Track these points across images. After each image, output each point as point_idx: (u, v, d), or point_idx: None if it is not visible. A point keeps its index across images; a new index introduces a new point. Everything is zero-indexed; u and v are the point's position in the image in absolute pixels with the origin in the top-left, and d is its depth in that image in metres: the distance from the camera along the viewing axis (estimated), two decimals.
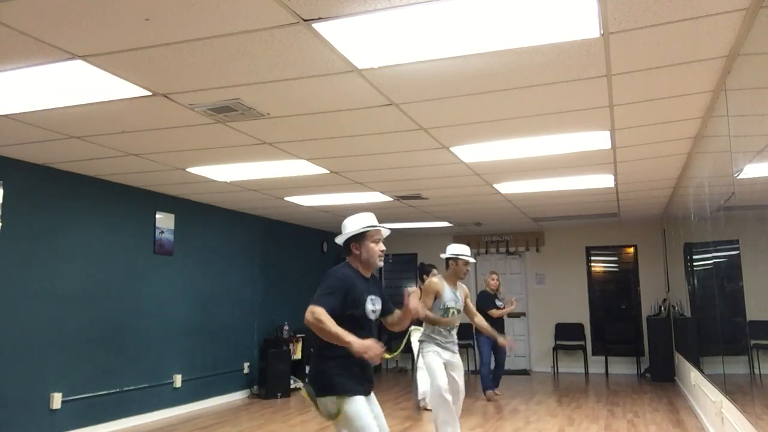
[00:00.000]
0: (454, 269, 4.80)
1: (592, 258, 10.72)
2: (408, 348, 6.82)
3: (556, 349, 10.41)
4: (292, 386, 8.27)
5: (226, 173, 5.94)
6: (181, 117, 4.12)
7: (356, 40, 2.90)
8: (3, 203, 5.24)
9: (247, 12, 2.63)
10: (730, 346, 4.13)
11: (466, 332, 10.03)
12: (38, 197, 5.59)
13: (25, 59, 3.13)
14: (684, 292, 6.94)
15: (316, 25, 2.75)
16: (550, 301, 10.73)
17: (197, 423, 6.56)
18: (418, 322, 6.61)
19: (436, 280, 4.80)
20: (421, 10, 2.60)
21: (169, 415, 6.93)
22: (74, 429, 5.77)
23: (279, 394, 8.08)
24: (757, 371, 3.39)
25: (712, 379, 5.06)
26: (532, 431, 5.90)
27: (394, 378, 9.62)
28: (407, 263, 11.53)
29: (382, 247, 2.95)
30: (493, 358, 7.88)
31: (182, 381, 7.17)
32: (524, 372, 10.39)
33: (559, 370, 10.41)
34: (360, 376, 2.89)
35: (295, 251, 9.95)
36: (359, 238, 2.92)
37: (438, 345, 4.66)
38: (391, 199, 7.51)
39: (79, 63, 3.16)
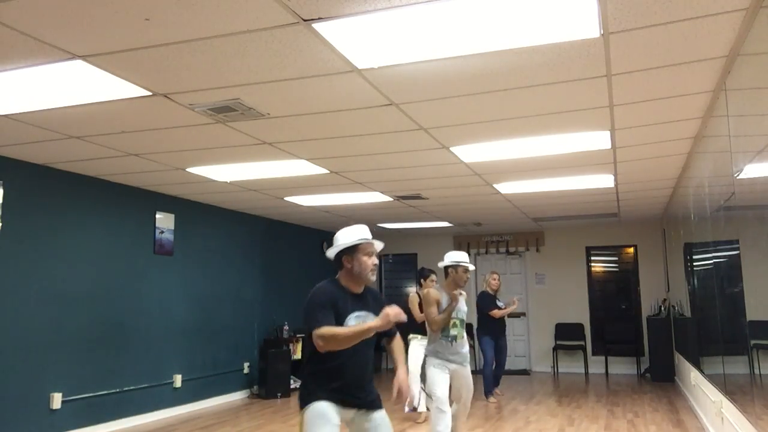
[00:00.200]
0: (453, 277, 4.63)
1: (592, 258, 10.72)
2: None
3: (556, 349, 10.41)
4: (292, 386, 8.27)
5: (226, 173, 5.94)
6: (181, 117, 4.12)
7: (356, 40, 2.90)
8: (3, 203, 5.24)
9: (247, 12, 2.63)
10: (730, 346, 4.13)
11: (467, 332, 10.04)
12: (38, 197, 5.59)
13: (25, 59, 3.13)
14: (684, 292, 6.94)
15: (316, 25, 2.75)
16: (550, 301, 10.73)
17: (197, 423, 6.56)
18: (417, 330, 6.59)
19: (433, 291, 4.63)
20: (421, 10, 2.60)
21: (169, 415, 6.93)
22: (74, 429, 5.77)
23: (279, 394, 8.08)
24: (757, 371, 3.39)
25: (712, 379, 5.06)
26: (532, 431, 5.90)
27: (392, 379, 9.62)
28: (407, 263, 11.53)
29: (374, 260, 2.82)
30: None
31: (182, 381, 7.17)
32: (524, 372, 10.40)
33: (559, 370, 10.41)
34: (340, 390, 2.70)
35: (295, 251, 9.95)
36: (351, 251, 2.80)
37: (443, 359, 4.51)
38: (391, 199, 7.51)
39: (79, 63, 3.16)
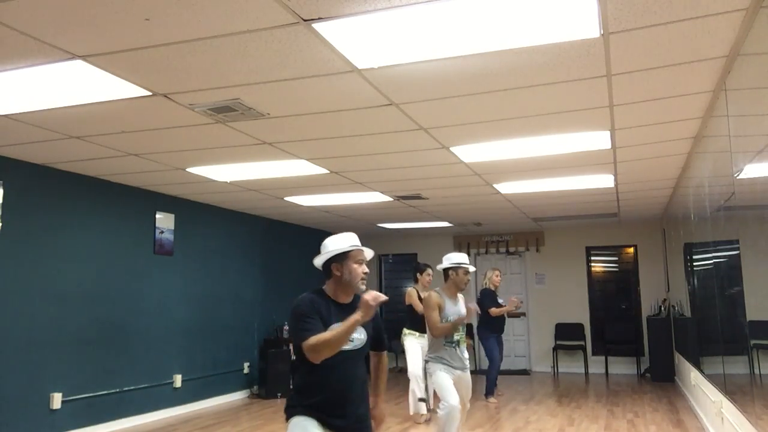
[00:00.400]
0: (454, 280, 4.50)
1: (592, 258, 10.72)
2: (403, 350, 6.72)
3: (556, 349, 10.41)
4: (292, 386, 8.26)
5: (226, 173, 5.94)
6: (181, 117, 4.12)
7: (356, 40, 2.90)
8: (3, 203, 5.24)
9: (247, 12, 2.63)
10: (730, 346, 4.13)
11: (467, 332, 10.03)
12: (38, 197, 5.59)
13: (25, 59, 3.13)
14: (684, 292, 6.94)
15: (316, 25, 2.75)
16: (550, 301, 10.73)
17: (197, 423, 6.56)
18: (411, 326, 6.56)
19: (434, 294, 4.47)
20: (421, 10, 2.60)
21: (169, 415, 6.93)
22: (74, 429, 5.77)
23: (279, 394, 8.08)
24: (757, 371, 3.39)
25: (712, 379, 5.06)
26: (532, 431, 5.90)
27: (393, 378, 9.61)
28: (407, 263, 11.52)
29: (365, 269, 2.69)
30: None
31: (182, 381, 7.17)
32: (524, 372, 10.39)
33: (559, 370, 10.41)
34: (318, 406, 2.56)
35: (295, 251, 9.95)
36: (341, 258, 2.65)
37: (446, 364, 4.40)
38: (391, 199, 7.51)
39: (79, 63, 3.16)
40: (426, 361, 4.60)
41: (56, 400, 5.59)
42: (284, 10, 2.60)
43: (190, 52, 3.05)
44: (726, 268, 4.19)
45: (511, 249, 11.11)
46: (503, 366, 8.54)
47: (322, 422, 2.56)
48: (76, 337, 5.87)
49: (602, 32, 2.85)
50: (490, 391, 7.64)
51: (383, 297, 2.47)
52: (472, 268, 4.60)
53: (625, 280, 10.56)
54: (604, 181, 6.39)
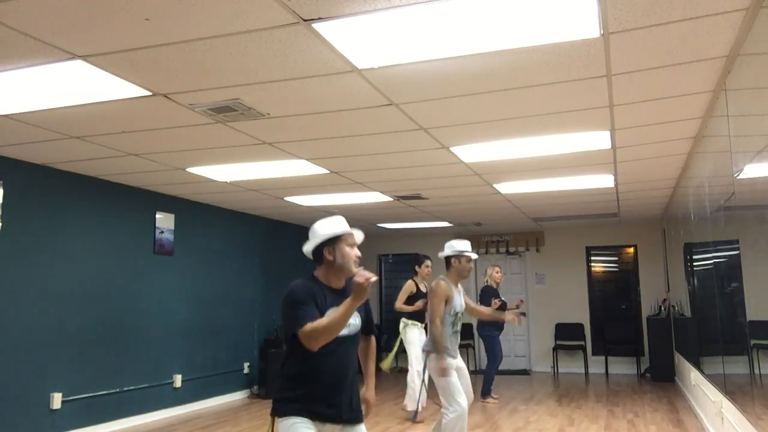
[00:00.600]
0: (457, 268, 4.37)
1: (592, 258, 10.72)
2: (402, 347, 6.69)
3: (556, 349, 10.41)
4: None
5: (226, 173, 5.94)
6: (181, 117, 4.12)
7: (356, 40, 2.90)
8: (3, 203, 5.24)
9: (247, 12, 2.63)
10: (730, 346, 4.13)
11: (467, 332, 10.04)
12: (38, 197, 5.59)
13: (25, 59, 3.13)
14: (684, 292, 6.94)
15: (316, 25, 2.75)
16: (550, 301, 10.73)
17: (197, 423, 6.56)
18: (410, 316, 6.55)
19: (444, 284, 4.32)
20: (421, 10, 2.60)
21: (169, 415, 6.93)
22: (74, 429, 5.77)
23: None
24: (757, 371, 3.39)
25: (712, 379, 5.06)
26: (532, 431, 5.90)
27: (393, 378, 9.61)
28: (407, 263, 11.50)
29: (357, 252, 2.66)
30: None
31: (182, 381, 7.17)
32: (524, 372, 10.39)
33: (559, 370, 10.41)
34: (310, 397, 2.49)
35: (295, 251, 9.90)
36: (333, 242, 2.61)
37: (449, 355, 4.31)
38: (391, 199, 7.51)
39: (79, 63, 3.16)
40: (425, 351, 4.46)
41: (56, 400, 5.59)
42: (284, 10, 2.60)
43: (190, 52, 3.05)
44: (726, 268, 4.19)
45: (511, 249, 11.11)
46: (503, 366, 8.55)
47: (316, 416, 2.48)
48: (76, 337, 5.87)
49: (602, 32, 2.85)
50: (487, 391, 7.61)
51: (374, 277, 2.39)
52: (474, 256, 4.47)
53: (625, 280, 10.56)
54: (604, 181, 6.39)
